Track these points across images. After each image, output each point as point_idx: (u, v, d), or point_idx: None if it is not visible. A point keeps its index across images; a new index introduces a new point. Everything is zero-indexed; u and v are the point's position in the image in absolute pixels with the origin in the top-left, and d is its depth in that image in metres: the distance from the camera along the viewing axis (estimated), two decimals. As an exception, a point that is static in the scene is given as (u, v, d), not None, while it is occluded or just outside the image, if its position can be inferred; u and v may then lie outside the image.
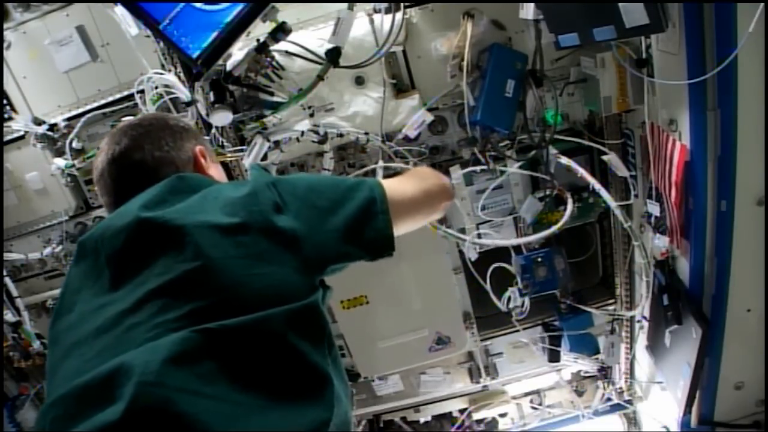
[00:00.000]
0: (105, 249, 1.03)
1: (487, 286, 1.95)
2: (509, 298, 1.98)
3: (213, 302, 0.93)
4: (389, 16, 1.65)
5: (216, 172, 1.28)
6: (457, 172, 1.91)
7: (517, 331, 2.31)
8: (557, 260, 1.89)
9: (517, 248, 2.00)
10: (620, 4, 1.21)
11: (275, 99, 1.71)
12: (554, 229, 1.75)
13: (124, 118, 1.76)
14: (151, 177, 1.14)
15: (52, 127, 1.91)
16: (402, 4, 1.67)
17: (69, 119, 1.92)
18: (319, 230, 1.06)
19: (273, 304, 0.95)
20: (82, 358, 0.93)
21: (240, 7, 1.42)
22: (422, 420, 2.63)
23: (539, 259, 1.86)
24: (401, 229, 1.23)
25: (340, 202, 1.12)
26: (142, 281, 0.97)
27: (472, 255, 1.93)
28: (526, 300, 1.97)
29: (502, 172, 1.87)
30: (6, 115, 1.89)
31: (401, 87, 1.86)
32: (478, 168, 1.84)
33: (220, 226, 0.99)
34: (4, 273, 2.07)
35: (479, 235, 1.83)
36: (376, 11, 1.69)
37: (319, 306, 1.03)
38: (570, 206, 1.79)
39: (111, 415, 0.81)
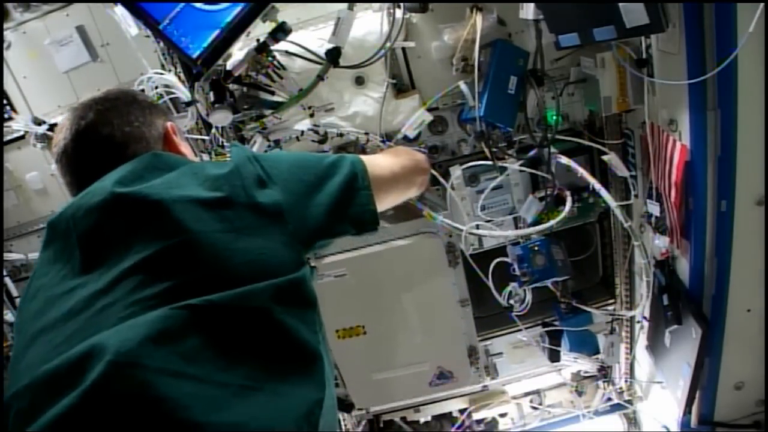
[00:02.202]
0: (77, 230, 0.97)
1: (489, 282, 1.94)
2: (510, 293, 1.97)
3: (194, 278, 0.89)
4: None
5: (187, 150, 1.23)
6: (456, 172, 1.91)
7: (519, 330, 2.30)
8: (555, 250, 1.88)
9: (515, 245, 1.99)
10: (620, 4, 1.21)
11: (275, 99, 1.71)
12: (552, 223, 1.74)
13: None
14: (120, 154, 1.07)
15: (52, 127, 1.90)
16: (402, 5, 1.67)
17: (69, 119, 1.92)
18: (306, 204, 1.05)
19: (258, 279, 0.91)
20: (50, 344, 0.86)
21: (240, 7, 1.42)
22: (422, 420, 2.63)
23: (536, 248, 1.85)
24: (382, 204, 1.23)
25: (324, 178, 1.11)
26: (117, 260, 0.91)
27: (467, 249, 1.93)
28: (527, 293, 1.96)
29: (503, 170, 1.87)
30: (6, 115, 1.89)
31: (401, 87, 1.86)
32: (480, 163, 1.84)
33: (201, 200, 0.95)
34: (4, 273, 2.07)
35: (477, 226, 1.81)
36: (398, 6, 1.67)
37: (307, 280, 1.00)
38: (569, 204, 1.79)
39: (70, 399, 0.74)
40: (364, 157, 1.23)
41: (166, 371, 0.79)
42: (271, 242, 0.97)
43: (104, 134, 1.09)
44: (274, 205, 1.00)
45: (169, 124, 1.20)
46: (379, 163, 1.32)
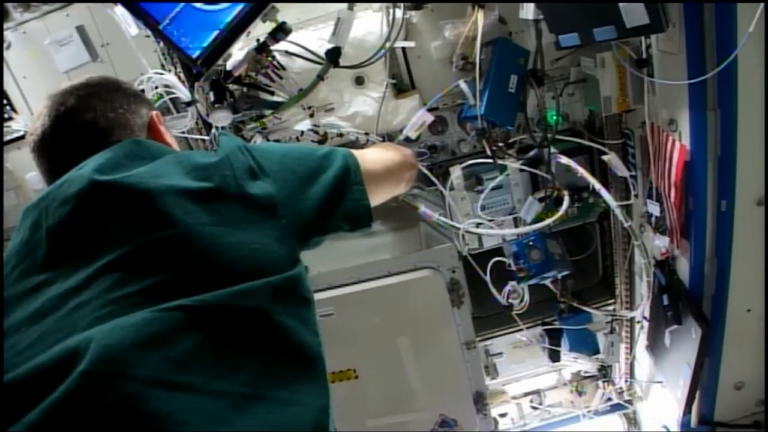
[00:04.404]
0: (48, 222, 0.88)
1: (487, 278, 1.92)
2: (509, 292, 1.97)
3: (182, 274, 0.82)
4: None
5: (173, 141, 1.16)
6: (456, 172, 1.91)
7: (520, 329, 2.30)
8: (551, 244, 1.87)
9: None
10: (620, 4, 1.21)
11: (275, 99, 1.71)
12: (549, 221, 1.74)
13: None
14: (102, 140, 1.00)
15: (52, 127, 1.90)
16: (404, 4, 1.67)
17: (69, 119, 1.92)
18: (300, 198, 1.00)
19: (252, 276, 0.85)
20: (13, 350, 0.76)
21: (240, 7, 1.42)
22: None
23: (530, 243, 1.84)
24: (373, 200, 1.18)
25: (317, 170, 1.07)
26: (91, 256, 0.83)
27: (463, 250, 1.93)
28: (525, 289, 1.95)
29: (503, 169, 1.87)
30: (6, 115, 1.89)
31: (401, 87, 1.86)
32: (480, 161, 1.83)
33: (189, 190, 0.88)
34: (4, 273, 2.07)
35: (478, 225, 1.80)
36: (397, 6, 1.67)
37: (303, 278, 0.95)
38: (566, 203, 1.78)
39: (36, 415, 0.65)
40: (354, 152, 1.20)
41: (157, 381, 0.71)
42: (263, 237, 0.91)
43: (86, 120, 1.02)
44: (267, 198, 0.94)
45: (153, 113, 1.13)
46: (371, 157, 1.28)
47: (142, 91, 1.72)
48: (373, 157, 1.30)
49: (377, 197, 1.29)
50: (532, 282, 1.90)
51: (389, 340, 1.78)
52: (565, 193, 1.83)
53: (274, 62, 1.66)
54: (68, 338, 0.73)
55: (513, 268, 1.87)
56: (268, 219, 0.93)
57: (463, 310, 1.75)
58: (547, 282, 1.97)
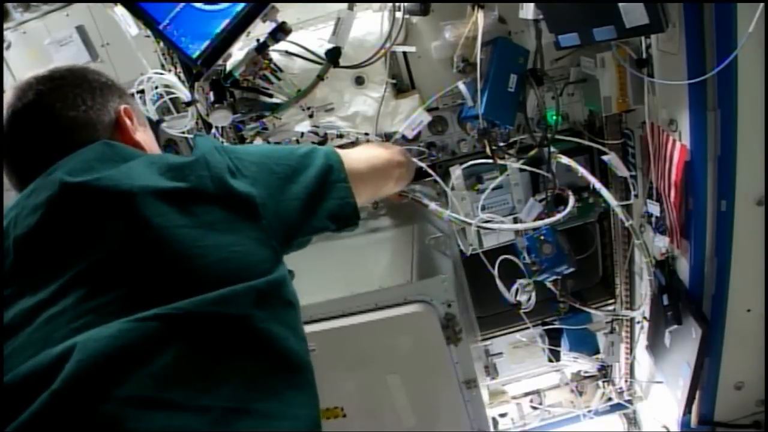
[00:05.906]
0: (15, 231, 0.83)
1: (495, 274, 1.91)
2: (517, 290, 1.95)
3: (159, 281, 0.78)
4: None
5: (145, 136, 1.10)
6: (456, 172, 1.91)
7: (519, 330, 2.30)
8: (561, 239, 1.87)
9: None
10: (620, 4, 1.21)
11: (274, 101, 1.71)
12: (559, 216, 1.74)
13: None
14: (63, 142, 0.93)
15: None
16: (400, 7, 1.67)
17: (69, 119, 1.92)
18: (280, 198, 0.97)
19: (232, 281, 0.81)
20: None
21: (240, 7, 1.42)
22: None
23: (542, 237, 1.83)
24: (359, 198, 1.15)
25: (298, 170, 1.03)
26: (62, 264, 0.79)
27: (466, 250, 1.91)
28: (533, 286, 1.94)
29: (504, 169, 1.87)
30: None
31: (401, 87, 1.86)
32: (480, 162, 1.83)
33: (163, 191, 0.84)
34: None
35: (478, 231, 1.79)
36: (398, 9, 1.67)
37: (287, 282, 0.92)
38: (572, 201, 1.78)
39: None
40: (338, 150, 1.17)
41: (138, 400, 0.67)
42: (243, 239, 0.87)
43: (43, 119, 0.95)
44: (246, 197, 0.90)
45: (122, 107, 1.05)
46: (354, 155, 1.26)
47: (141, 91, 1.73)
48: (356, 155, 1.28)
49: (363, 196, 1.26)
50: (543, 277, 1.88)
51: (378, 379, 1.64)
52: (570, 192, 1.83)
53: (272, 65, 1.66)
54: (40, 353, 0.69)
55: (527, 260, 1.86)
56: (248, 220, 0.90)
57: (460, 346, 1.60)
58: (550, 279, 1.96)
